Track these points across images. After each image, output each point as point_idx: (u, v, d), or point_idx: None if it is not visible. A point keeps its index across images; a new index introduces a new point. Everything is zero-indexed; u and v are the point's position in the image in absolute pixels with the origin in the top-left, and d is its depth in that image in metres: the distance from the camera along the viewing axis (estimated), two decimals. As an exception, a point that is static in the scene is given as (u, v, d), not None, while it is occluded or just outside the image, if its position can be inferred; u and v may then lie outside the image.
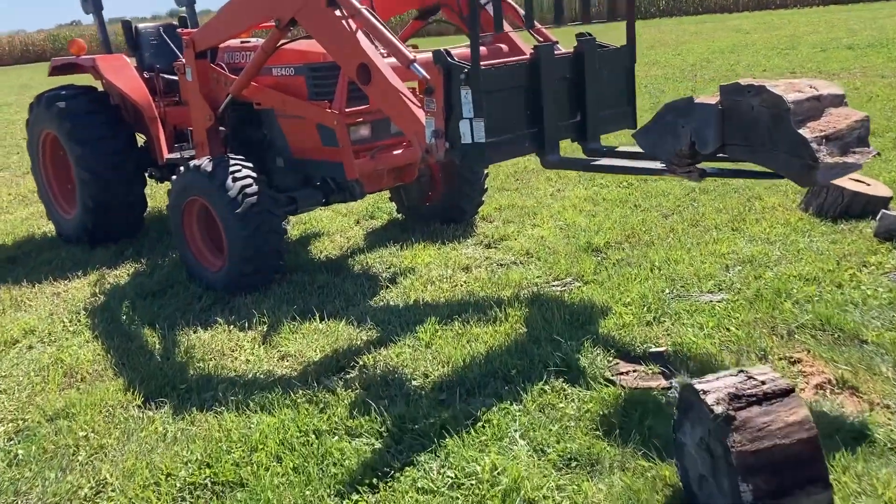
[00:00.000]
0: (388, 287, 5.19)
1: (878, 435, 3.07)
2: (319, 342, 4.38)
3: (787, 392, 2.51)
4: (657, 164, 3.84)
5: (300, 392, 3.80)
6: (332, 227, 6.85)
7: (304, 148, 5.66)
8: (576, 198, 7.05)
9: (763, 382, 2.56)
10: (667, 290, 4.68)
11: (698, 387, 2.59)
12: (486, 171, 6.49)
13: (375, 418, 3.47)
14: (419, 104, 4.37)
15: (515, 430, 3.31)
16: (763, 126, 3.42)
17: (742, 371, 2.64)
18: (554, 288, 4.95)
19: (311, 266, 5.75)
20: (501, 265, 5.53)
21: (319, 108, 5.28)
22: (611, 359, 3.92)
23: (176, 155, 6.62)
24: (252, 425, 3.54)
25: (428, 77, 4.18)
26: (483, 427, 3.36)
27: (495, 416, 3.42)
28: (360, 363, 4.09)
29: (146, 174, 6.93)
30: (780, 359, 3.76)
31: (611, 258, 5.38)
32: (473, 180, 6.38)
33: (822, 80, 3.65)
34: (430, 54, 4.17)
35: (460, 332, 4.35)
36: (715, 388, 2.56)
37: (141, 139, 6.95)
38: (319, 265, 5.77)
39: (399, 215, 6.92)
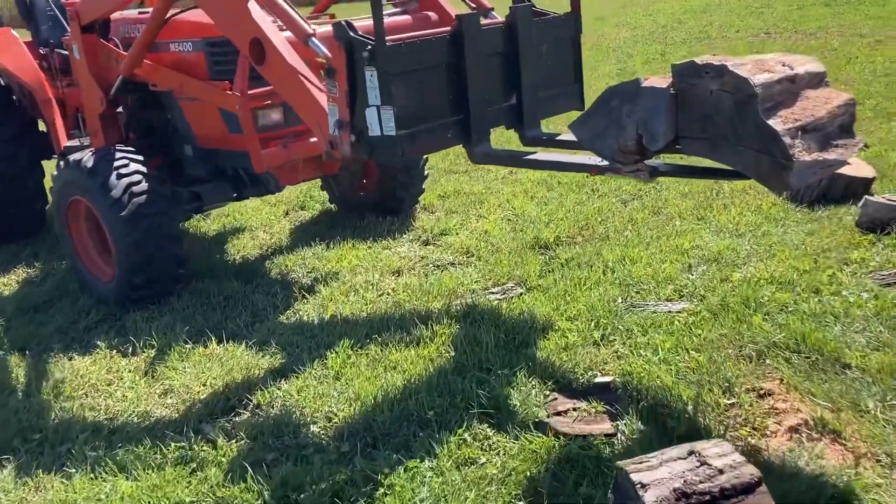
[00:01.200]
0: (304, 298, 4.51)
1: None
2: (211, 373, 3.71)
3: (752, 487, 1.89)
4: (601, 160, 3.17)
5: (173, 446, 3.14)
6: (257, 220, 6.14)
7: (209, 135, 4.93)
8: (528, 181, 6.37)
9: (720, 471, 1.93)
10: (619, 299, 4.05)
11: (635, 477, 1.96)
12: (425, 156, 5.79)
13: (252, 487, 2.82)
14: (324, 89, 3.66)
15: (423, 501, 2.68)
16: (725, 115, 2.76)
17: (693, 453, 2.01)
18: (492, 296, 4.30)
19: (223, 270, 5.05)
20: (438, 267, 4.87)
21: (219, 89, 4.54)
22: (548, 392, 3.29)
23: (76, 142, 5.84)
24: (103, 496, 2.88)
25: (329, 55, 3.48)
26: (385, 496, 2.72)
27: (401, 478, 2.78)
28: (254, 402, 3.44)
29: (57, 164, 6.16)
30: (749, 390, 3.15)
31: (560, 257, 4.73)
32: (411, 167, 5.69)
33: (798, 55, 2.99)
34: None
35: (377, 357, 3.69)
36: (657, 481, 1.93)
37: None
38: (232, 269, 5.08)
39: (332, 206, 6.22)
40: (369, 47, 3.25)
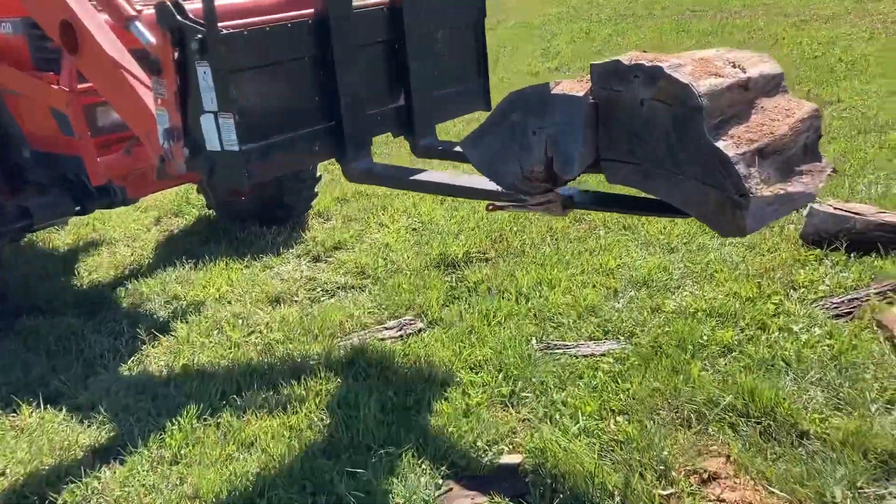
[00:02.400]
0: (154, 340, 3.69)
1: None
2: (14, 456, 2.88)
3: None
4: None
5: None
6: (121, 231, 5.24)
7: (41, 137, 4.03)
8: (438, 181, 5.65)
9: None
10: (534, 339, 3.38)
11: None
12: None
13: None
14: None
15: None
16: (660, 134, 2.09)
17: None
18: (387, 333, 3.58)
19: (63, 301, 4.18)
20: (326, 291, 4.12)
21: (44, 82, 3.66)
22: (441, 480, 2.60)
23: None
24: None
25: (152, 41, 2.68)
26: None
27: None
28: (60, 502, 2.64)
29: None
30: (689, 473, 2.52)
31: (468, 279, 4.03)
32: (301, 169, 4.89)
33: (748, 52, 2.33)
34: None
35: (230, 430, 2.93)
36: None
37: None
38: (74, 299, 4.21)
39: (211, 212, 5.38)
40: (199, 35, 2.47)
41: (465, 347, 3.35)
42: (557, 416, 2.83)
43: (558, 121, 2.19)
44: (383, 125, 3.07)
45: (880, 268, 3.72)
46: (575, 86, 2.22)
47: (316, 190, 5.13)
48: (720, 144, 2.00)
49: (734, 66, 2.16)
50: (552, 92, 2.20)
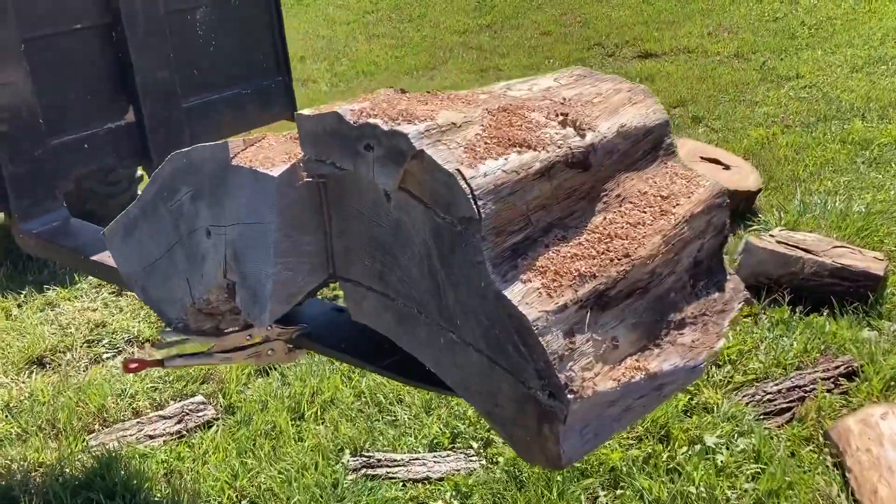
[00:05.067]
0: None
1: None
2: None
3: None
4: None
5: None
6: None
7: None
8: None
9: None
10: (348, 451, 2.41)
11: None
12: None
13: None
14: None
15: None
16: (419, 252, 1.10)
17: None
18: (157, 429, 2.59)
19: None
20: (111, 348, 3.09)
21: None
22: None
23: None
24: None
25: None
26: None
27: None
28: None
29: None
30: None
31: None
32: (110, 171, 3.79)
33: (609, 81, 1.32)
34: None
35: None
36: None
37: None
38: None
39: None
40: None
41: (250, 464, 2.38)
42: None
43: (242, 216, 1.18)
44: (92, 156, 2.02)
45: (833, 334, 2.79)
46: (273, 151, 1.20)
47: (138, 192, 4.06)
48: (514, 291, 1.01)
49: (565, 122, 1.15)
50: (234, 162, 1.18)
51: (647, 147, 1.26)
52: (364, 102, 1.11)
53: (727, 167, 3.96)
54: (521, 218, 1.05)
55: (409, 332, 1.15)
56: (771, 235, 3.22)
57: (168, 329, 1.29)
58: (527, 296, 1.01)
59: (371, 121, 1.05)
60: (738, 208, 3.79)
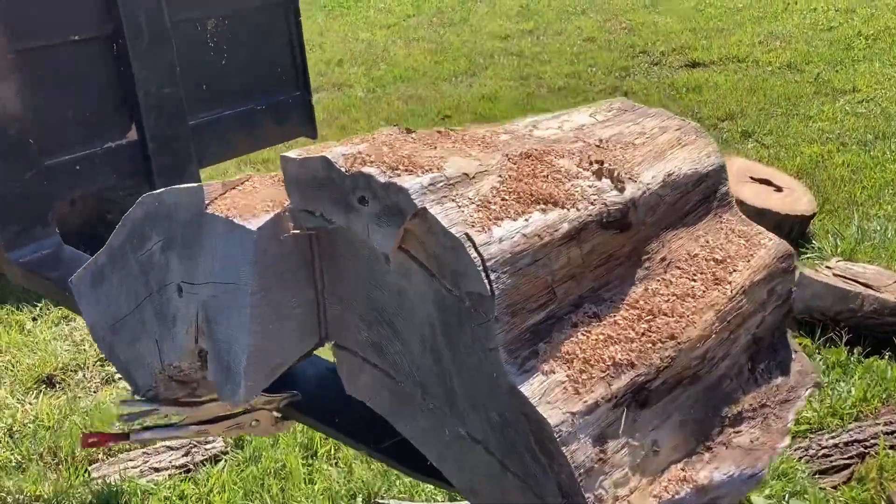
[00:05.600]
0: None
1: None
2: None
3: None
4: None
5: None
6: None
7: None
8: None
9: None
10: (360, 499, 2.24)
11: None
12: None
13: None
14: None
15: None
16: (421, 326, 0.91)
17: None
18: (162, 462, 2.44)
19: None
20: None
21: None
22: None
23: None
24: None
25: None
26: None
27: None
28: None
29: None
30: None
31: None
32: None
33: (652, 116, 1.12)
34: None
35: None
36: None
37: None
38: None
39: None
40: None
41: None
42: None
43: (216, 274, 1.01)
44: (89, 178, 1.88)
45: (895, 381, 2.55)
46: (258, 199, 1.03)
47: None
48: (533, 386, 0.82)
49: (601, 172, 0.95)
50: (209, 210, 1.02)
51: (699, 198, 1.07)
52: (361, 145, 0.93)
53: (779, 189, 3.70)
54: (544, 292, 0.86)
55: (408, 418, 0.97)
56: (828, 267, 2.97)
57: (136, 397, 1.13)
58: (548, 392, 0.82)
59: (366, 170, 0.88)
60: (791, 234, 3.54)
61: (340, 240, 0.99)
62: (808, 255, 3.43)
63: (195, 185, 1.02)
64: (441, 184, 0.87)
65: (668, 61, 6.98)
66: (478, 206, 0.87)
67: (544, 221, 0.87)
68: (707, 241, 1.04)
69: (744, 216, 1.10)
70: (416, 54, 8.07)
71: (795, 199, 3.67)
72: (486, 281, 0.81)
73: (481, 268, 0.81)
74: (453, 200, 0.86)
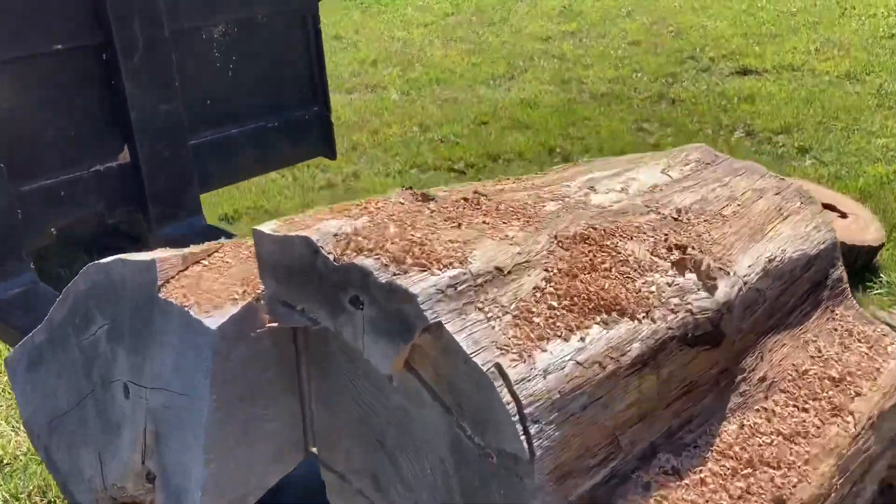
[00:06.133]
0: None
1: None
2: None
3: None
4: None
5: None
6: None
7: None
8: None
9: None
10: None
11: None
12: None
13: None
14: None
15: None
16: (434, 466, 0.67)
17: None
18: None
19: None
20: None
21: None
22: None
23: None
24: None
25: None
26: None
27: None
28: None
29: None
30: None
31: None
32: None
33: (747, 174, 0.87)
34: None
35: None
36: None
37: None
38: None
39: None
40: None
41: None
42: None
43: (168, 379, 0.78)
44: (73, 205, 1.66)
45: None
46: (238, 273, 0.79)
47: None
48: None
49: (683, 264, 0.70)
50: (161, 294, 0.79)
51: (806, 288, 0.81)
52: (359, 219, 0.69)
53: (844, 215, 3.39)
54: (604, 443, 0.62)
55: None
56: (902, 309, 2.67)
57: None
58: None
59: (361, 261, 0.64)
60: (856, 265, 3.23)
61: (333, 336, 0.75)
62: (876, 291, 3.13)
63: (147, 258, 0.79)
64: (465, 285, 0.63)
65: (718, 68, 6.66)
66: (515, 317, 0.62)
67: (607, 341, 0.63)
68: (818, 350, 0.79)
69: (862, 310, 0.85)
70: (453, 55, 7.83)
71: (862, 226, 3.36)
72: (523, 437, 0.57)
73: (517, 417, 0.57)
74: (480, 309, 0.62)
